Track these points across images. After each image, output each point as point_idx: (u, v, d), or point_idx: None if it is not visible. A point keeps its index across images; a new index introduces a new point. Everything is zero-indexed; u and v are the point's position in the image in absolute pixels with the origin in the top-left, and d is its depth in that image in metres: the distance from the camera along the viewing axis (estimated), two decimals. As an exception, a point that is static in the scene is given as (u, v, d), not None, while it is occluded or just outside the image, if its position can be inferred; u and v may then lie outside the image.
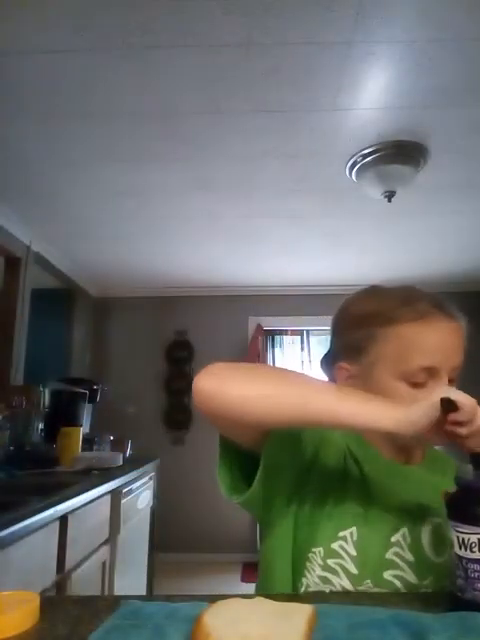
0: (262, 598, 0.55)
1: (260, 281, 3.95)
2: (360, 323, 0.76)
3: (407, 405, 0.60)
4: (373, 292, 0.81)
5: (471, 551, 0.54)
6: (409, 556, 0.69)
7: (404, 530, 0.70)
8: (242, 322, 4.10)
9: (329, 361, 0.83)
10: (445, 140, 2.00)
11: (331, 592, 0.68)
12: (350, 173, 2.23)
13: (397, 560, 0.69)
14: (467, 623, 0.51)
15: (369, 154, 2.09)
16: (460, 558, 0.55)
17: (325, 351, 0.87)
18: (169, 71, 1.62)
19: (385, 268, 3.65)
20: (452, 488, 0.60)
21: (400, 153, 2.06)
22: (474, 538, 0.54)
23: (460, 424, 0.58)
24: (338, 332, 0.82)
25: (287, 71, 1.62)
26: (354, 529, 0.69)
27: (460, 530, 0.55)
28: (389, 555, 0.69)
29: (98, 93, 1.73)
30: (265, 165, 2.21)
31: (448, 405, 0.58)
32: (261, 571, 0.76)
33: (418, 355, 0.70)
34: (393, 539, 0.70)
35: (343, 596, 0.66)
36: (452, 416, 0.57)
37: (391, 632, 0.49)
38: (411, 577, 0.68)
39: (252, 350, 3.93)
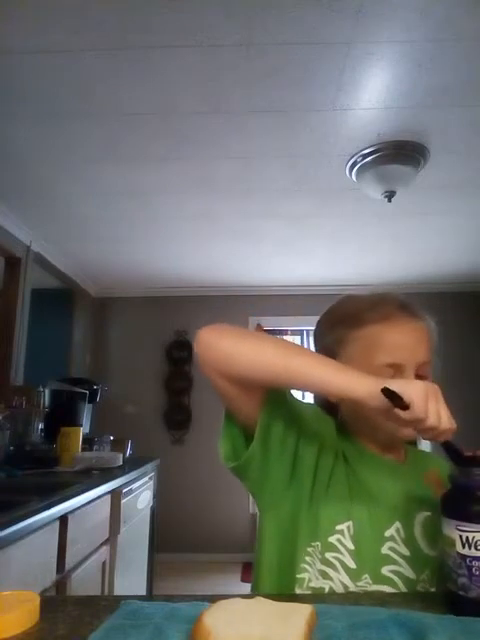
0: (262, 598, 0.55)
1: (260, 281, 3.94)
2: (332, 327, 0.82)
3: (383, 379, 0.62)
4: (346, 299, 0.86)
5: (476, 549, 0.54)
6: (405, 550, 0.70)
7: (397, 524, 0.72)
8: (242, 322, 4.09)
9: None
10: (445, 140, 2.00)
11: (331, 592, 0.68)
12: (350, 173, 2.23)
13: (393, 555, 0.70)
14: (468, 623, 0.51)
15: (369, 154, 2.09)
16: (463, 557, 0.55)
17: None
18: (169, 71, 1.62)
19: (385, 268, 3.64)
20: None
21: (400, 153, 2.06)
22: (479, 536, 0.54)
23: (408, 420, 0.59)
24: (316, 337, 0.88)
25: (287, 71, 1.62)
26: (351, 523, 0.71)
27: (463, 528, 0.55)
28: (385, 550, 0.70)
29: (98, 93, 1.73)
30: (265, 165, 2.21)
31: (391, 396, 0.58)
32: (256, 559, 0.78)
33: (382, 353, 0.74)
34: (387, 534, 0.71)
35: (343, 596, 0.66)
36: (397, 411, 0.58)
37: (391, 632, 0.49)
38: (408, 572, 0.69)
39: (252, 350, 3.92)
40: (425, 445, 0.87)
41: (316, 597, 0.64)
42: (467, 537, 0.55)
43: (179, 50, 1.53)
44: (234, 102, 1.78)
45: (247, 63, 1.58)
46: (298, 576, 0.69)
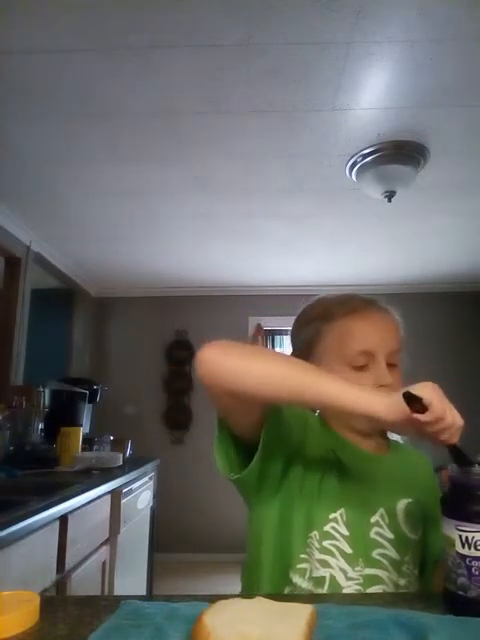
0: (262, 598, 0.55)
1: (260, 281, 3.94)
2: (306, 325, 0.88)
3: (393, 392, 0.63)
4: (317, 300, 0.91)
5: (476, 549, 0.54)
6: (389, 534, 0.75)
7: (381, 510, 0.77)
8: (242, 322, 4.10)
9: None
10: (445, 140, 2.00)
11: (331, 590, 0.69)
12: (350, 173, 2.23)
13: (379, 539, 0.75)
14: (467, 623, 0.51)
15: (369, 154, 2.08)
16: (463, 557, 0.55)
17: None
18: (169, 71, 1.62)
19: (385, 268, 3.64)
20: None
21: (400, 153, 2.06)
22: (479, 536, 0.54)
23: (428, 423, 0.59)
24: (293, 335, 0.92)
25: (287, 71, 1.62)
26: (343, 510, 0.75)
27: (463, 528, 0.55)
28: (373, 535, 0.75)
29: (98, 93, 1.73)
30: (265, 165, 2.21)
31: (410, 400, 0.58)
32: (250, 559, 0.82)
33: (353, 341, 0.80)
34: (373, 520, 0.76)
35: (343, 596, 0.66)
36: (417, 416, 0.58)
37: (391, 632, 0.49)
38: (393, 554, 0.74)
39: (252, 350, 3.92)
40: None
41: (316, 597, 0.64)
42: (467, 537, 0.55)
43: (179, 50, 1.52)
44: (234, 102, 1.78)
45: (247, 63, 1.58)
46: (298, 566, 0.72)
